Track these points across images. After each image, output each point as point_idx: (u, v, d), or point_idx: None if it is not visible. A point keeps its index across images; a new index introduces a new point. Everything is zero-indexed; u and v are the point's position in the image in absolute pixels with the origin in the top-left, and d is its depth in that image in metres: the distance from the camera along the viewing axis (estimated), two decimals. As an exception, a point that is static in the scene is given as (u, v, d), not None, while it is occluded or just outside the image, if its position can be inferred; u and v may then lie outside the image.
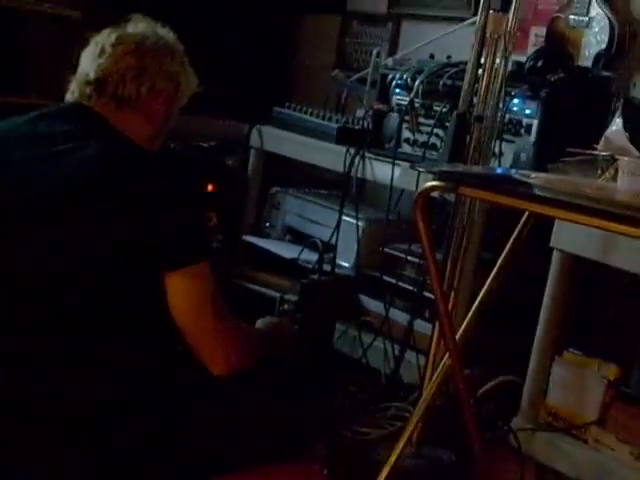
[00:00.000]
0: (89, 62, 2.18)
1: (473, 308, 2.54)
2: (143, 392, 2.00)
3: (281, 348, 2.43)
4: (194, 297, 2.03)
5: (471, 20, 3.45)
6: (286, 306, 2.58)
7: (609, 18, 3.21)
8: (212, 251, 2.12)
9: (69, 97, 2.20)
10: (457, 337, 2.39)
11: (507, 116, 2.98)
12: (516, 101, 3.00)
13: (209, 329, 2.06)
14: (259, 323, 2.47)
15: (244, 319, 2.28)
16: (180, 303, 2.01)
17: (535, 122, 2.96)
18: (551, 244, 2.74)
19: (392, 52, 4.09)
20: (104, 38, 2.19)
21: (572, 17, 3.30)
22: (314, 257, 3.27)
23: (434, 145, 3.21)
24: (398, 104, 3.40)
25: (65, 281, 1.93)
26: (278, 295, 2.64)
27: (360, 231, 3.42)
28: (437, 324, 2.56)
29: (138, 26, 2.24)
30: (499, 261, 2.51)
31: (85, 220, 1.93)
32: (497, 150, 2.93)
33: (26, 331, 1.94)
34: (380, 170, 3.31)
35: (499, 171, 2.81)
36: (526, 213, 2.46)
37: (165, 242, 1.98)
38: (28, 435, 1.90)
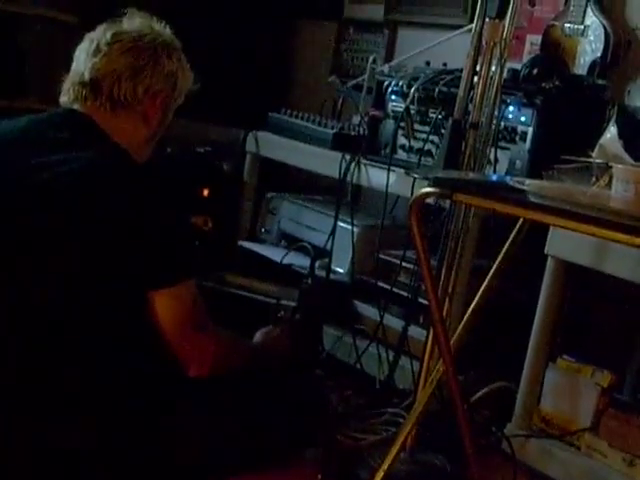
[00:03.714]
0: (84, 61, 2.13)
1: (467, 314, 2.55)
2: (130, 398, 2.00)
3: (277, 360, 2.43)
4: (176, 313, 2.03)
5: (467, 27, 3.46)
6: (282, 312, 2.58)
7: (604, 27, 3.22)
8: (198, 267, 2.12)
9: (64, 99, 2.16)
10: (451, 343, 2.39)
11: (502, 123, 2.99)
12: (511, 108, 3.01)
13: (187, 339, 2.05)
14: (258, 336, 2.47)
15: (239, 327, 2.29)
16: (162, 317, 2.01)
17: (530, 129, 2.97)
18: (545, 251, 2.75)
19: (388, 59, 4.10)
20: (99, 35, 2.14)
21: (568, 25, 3.32)
22: (308, 263, 3.28)
23: (429, 152, 3.22)
24: (394, 111, 3.41)
25: (49, 297, 1.92)
26: (274, 301, 2.64)
27: (355, 237, 3.42)
28: (431, 330, 2.57)
29: (134, 22, 2.18)
30: (493, 267, 2.52)
31: (71, 238, 1.92)
32: (492, 157, 2.93)
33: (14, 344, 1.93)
34: (375, 176, 3.32)
35: (494, 178, 2.82)
36: (520, 220, 2.46)
37: (151, 263, 1.98)
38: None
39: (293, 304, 2.61)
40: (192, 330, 2.06)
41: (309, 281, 2.80)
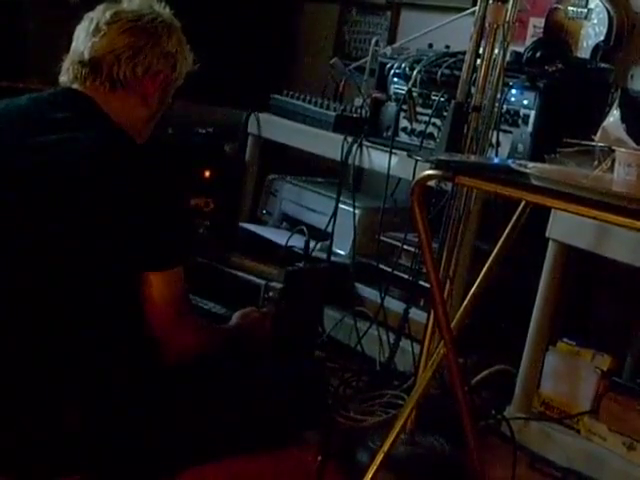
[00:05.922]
0: (83, 40, 2.12)
1: (468, 297, 2.55)
2: (125, 376, 2.00)
3: (254, 341, 2.42)
4: (166, 295, 2.03)
5: (470, 10, 3.45)
6: (271, 294, 2.58)
7: (608, 10, 3.22)
8: (194, 251, 2.13)
9: (63, 78, 2.15)
10: (452, 326, 2.39)
11: (505, 106, 2.99)
12: (514, 91, 3.01)
13: (170, 322, 2.06)
14: (234, 318, 2.47)
15: (229, 306, 2.28)
16: (153, 298, 2.02)
17: (532, 113, 2.97)
18: (547, 234, 2.76)
19: (391, 41, 4.09)
20: (99, 15, 2.13)
21: (571, 8, 3.31)
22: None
23: (431, 134, 3.22)
24: (396, 93, 3.40)
25: (45, 275, 1.92)
26: (263, 283, 2.64)
27: (357, 219, 3.42)
28: (432, 312, 2.57)
29: (134, 1, 2.18)
30: (495, 250, 2.52)
31: (70, 218, 1.92)
32: (494, 140, 2.93)
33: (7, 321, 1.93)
34: (377, 158, 3.32)
35: (496, 161, 2.82)
36: (522, 203, 2.46)
37: (149, 245, 1.98)
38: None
39: (281, 286, 2.62)
40: (175, 314, 2.07)
41: (301, 264, 2.78)
